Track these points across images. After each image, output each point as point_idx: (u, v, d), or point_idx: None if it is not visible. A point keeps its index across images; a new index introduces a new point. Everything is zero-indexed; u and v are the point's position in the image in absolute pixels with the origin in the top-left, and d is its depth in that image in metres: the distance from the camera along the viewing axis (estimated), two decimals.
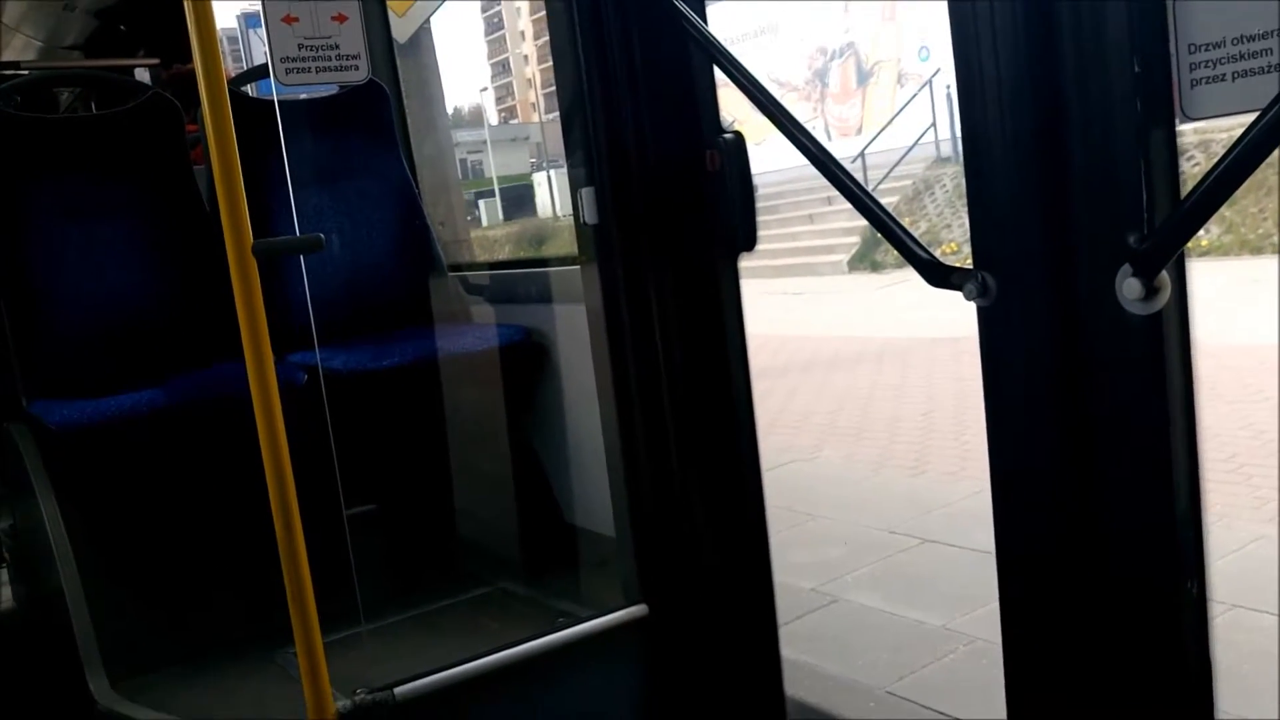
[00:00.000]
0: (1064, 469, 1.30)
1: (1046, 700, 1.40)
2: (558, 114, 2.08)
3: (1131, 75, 1.14)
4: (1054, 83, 1.21)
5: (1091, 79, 1.18)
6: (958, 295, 1.36)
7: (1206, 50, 1.08)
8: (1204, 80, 1.09)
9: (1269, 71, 1.04)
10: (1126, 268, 1.16)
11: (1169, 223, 1.14)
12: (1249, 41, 1.05)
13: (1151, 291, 1.15)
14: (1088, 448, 1.28)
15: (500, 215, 28.22)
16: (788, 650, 2.13)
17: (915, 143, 14.69)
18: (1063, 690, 1.37)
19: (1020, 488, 1.37)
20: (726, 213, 1.91)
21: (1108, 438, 1.26)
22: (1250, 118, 1.01)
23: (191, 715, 2.02)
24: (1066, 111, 1.21)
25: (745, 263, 1.98)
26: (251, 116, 1.97)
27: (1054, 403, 1.30)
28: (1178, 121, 1.13)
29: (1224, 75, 1.07)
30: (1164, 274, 1.15)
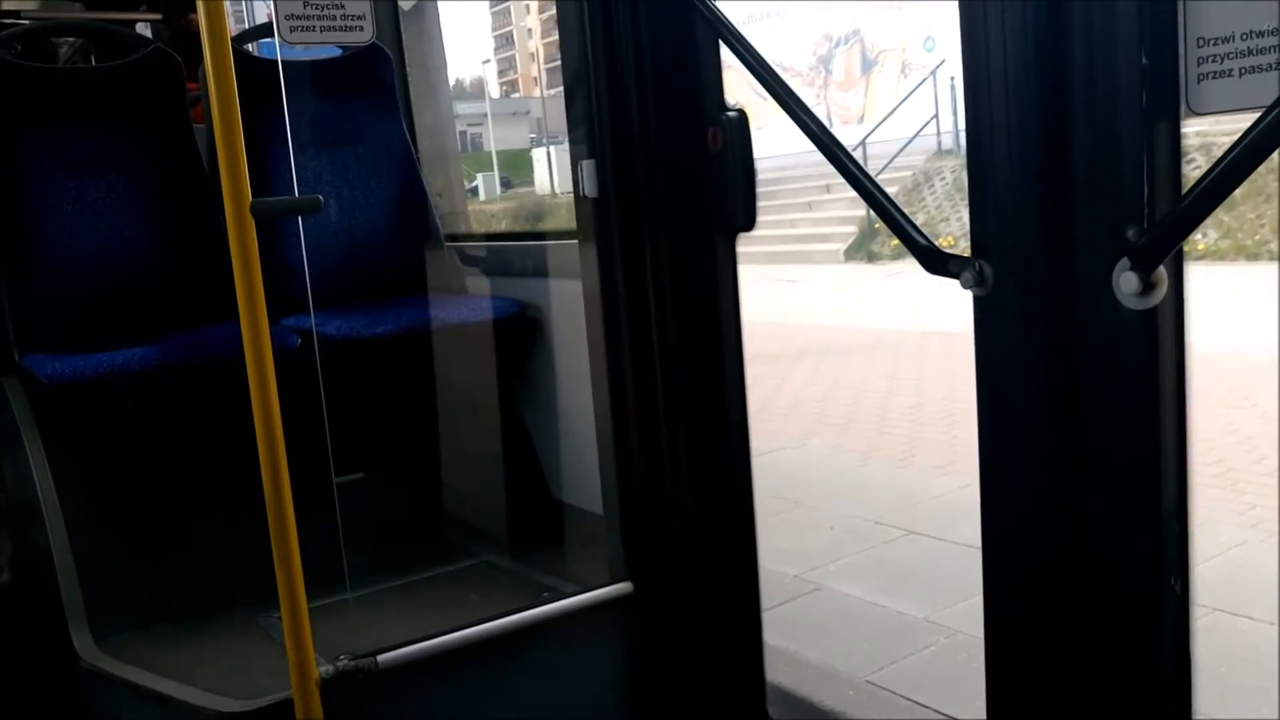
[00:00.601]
0: (1054, 461, 1.30)
1: (1027, 693, 1.41)
2: (560, 89, 2.06)
3: (1139, 67, 1.13)
4: (1060, 72, 1.21)
5: (1098, 69, 1.18)
6: (952, 288, 1.36)
7: (1215, 45, 1.08)
8: (1211, 75, 1.08)
9: (1277, 69, 1.04)
10: (1124, 261, 1.16)
11: (1169, 218, 1.14)
12: (1258, 37, 1.04)
13: (1148, 287, 1.15)
14: (1078, 441, 1.28)
15: (498, 189, 28.19)
16: (769, 636, 2.13)
17: (916, 134, 14.68)
18: (1043, 684, 1.37)
19: (1008, 479, 1.37)
20: (727, 191, 1.90)
21: (1098, 431, 1.26)
22: (1255, 115, 1.01)
23: (173, 675, 2.02)
24: (1071, 101, 1.20)
25: (740, 248, 1.97)
26: (254, 75, 1.96)
27: (1046, 394, 1.30)
28: (1183, 116, 1.13)
29: (1231, 71, 1.07)
30: (1161, 270, 1.15)
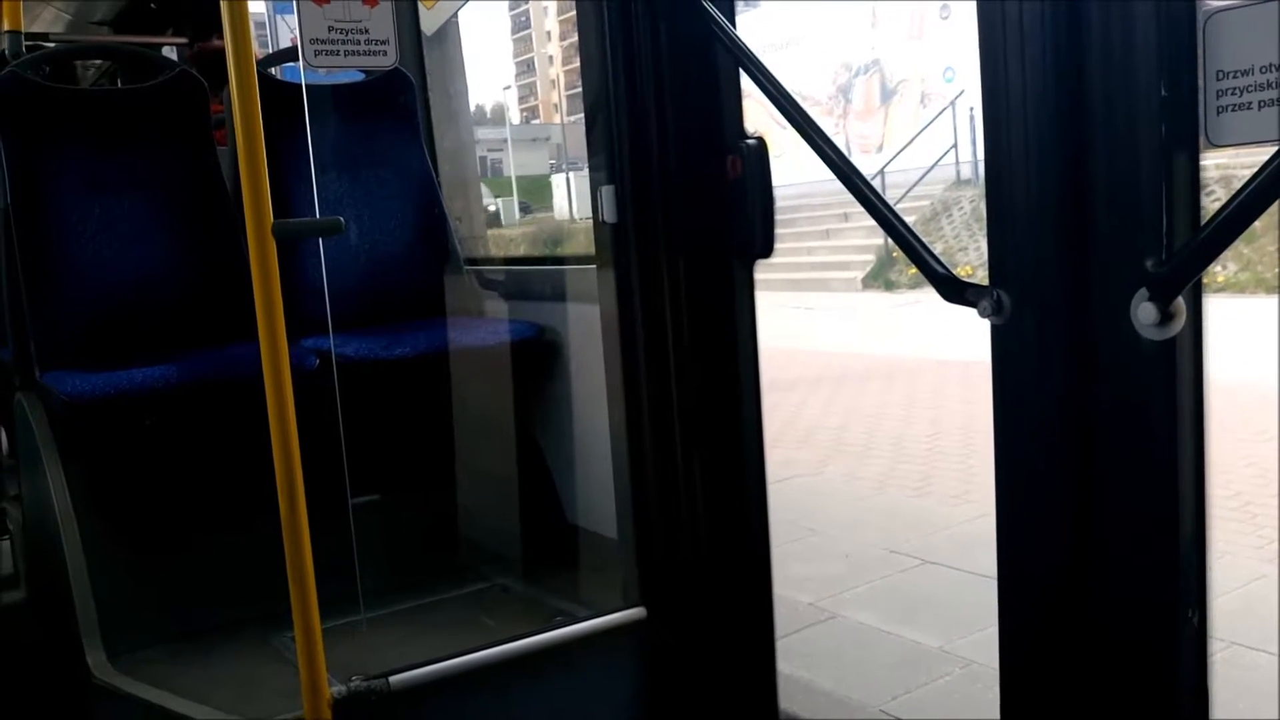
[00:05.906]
0: (1070, 491, 1.30)
1: None
2: (580, 116, 2.08)
3: (1158, 98, 1.14)
4: (1080, 102, 1.21)
5: (1118, 100, 1.18)
6: (970, 318, 1.36)
7: (1234, 77, 1.08)
8: (1230, 107, 1.09)
9: None
10: (1143, 292, 1.16)
11: (1187, 249, 1.14)
12: (1277, 70, 1.04)
13: (1166, 317, 1.15)
14: (1095, 471, 1.28)
15: (516, 215, 28.33)
16: (783, 664, 2.12)
17: (935, 163, 14.69)
18: (1058, 716, 1.36)
19: (1025, 509, 1.37)
20: (745, 218, 1.91)
21: (1115, 463, 1.26)
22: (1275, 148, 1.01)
23: (186, 694, 2.02)
24: (1091, 131, 1.21)
25: (758, 275, 1.97)
26: (277, 98, 1.98)
27: (1063, 425, 1.29)
28: (1202, 147, 1.13)
29: (1250, 103, 1.07)
30: (1180, 301, 1.15)
